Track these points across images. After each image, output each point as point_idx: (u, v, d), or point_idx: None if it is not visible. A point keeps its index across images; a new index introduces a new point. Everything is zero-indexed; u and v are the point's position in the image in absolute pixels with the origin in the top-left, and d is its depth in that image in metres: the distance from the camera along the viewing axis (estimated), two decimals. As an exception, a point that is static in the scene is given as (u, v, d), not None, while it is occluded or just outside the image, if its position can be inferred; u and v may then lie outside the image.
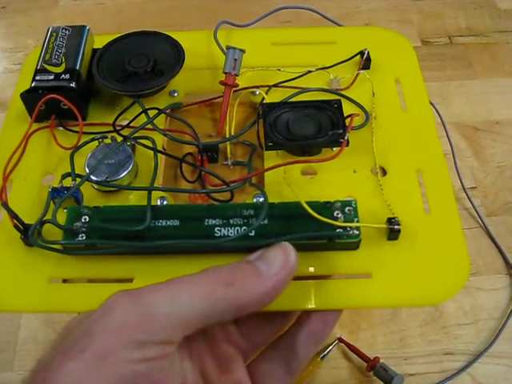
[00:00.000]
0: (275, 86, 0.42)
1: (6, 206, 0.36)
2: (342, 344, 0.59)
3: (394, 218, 0.35)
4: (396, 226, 0.35)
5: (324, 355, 0.58)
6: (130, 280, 0.35)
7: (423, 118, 0.41)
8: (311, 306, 0.34)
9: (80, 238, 0.34)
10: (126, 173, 0.37)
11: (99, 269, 0.35)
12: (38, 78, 0.41)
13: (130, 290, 0.29)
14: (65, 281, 0.36)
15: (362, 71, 0.43)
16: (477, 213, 0.67)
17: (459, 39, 0.87)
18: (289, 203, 0.35)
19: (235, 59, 0.41)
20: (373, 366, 0.57)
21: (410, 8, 0.92)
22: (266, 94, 0.41)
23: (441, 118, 0.63)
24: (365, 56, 0.43)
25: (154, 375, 0.28)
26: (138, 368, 0.27)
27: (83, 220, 0.35)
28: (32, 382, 0.27)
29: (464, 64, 0.84)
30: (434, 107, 0.58)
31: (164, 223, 0.35)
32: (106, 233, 0.34)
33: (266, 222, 0.34)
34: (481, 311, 0.63)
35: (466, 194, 0.68)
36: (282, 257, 0.31)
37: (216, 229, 0.34)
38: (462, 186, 0.68)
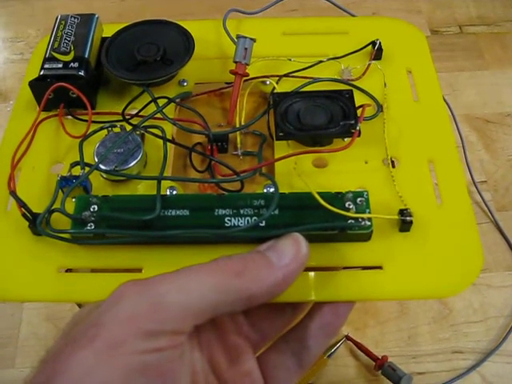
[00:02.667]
0: (286, 75, 0.41)
1: (14, 194, 0.36)
2: (350, 342, 0.59)
3: (406, 210, 0.35)
4: (408, 218, 0.34)
5: (331, 353, 0.58)
6: (139, 270, 0.35)
7: (435, 109, 0.41)
8: (322, 297, 0.34)
9: (89, 228, 0.34)
10: (135, 162, 0.37)
11: (108, 258, 0.35)
12: (46, 66, 0.41)
13: (140, 280, 0.29)
14: (73, 270, 0.36)
15: (373, 61, 0.42)
16: (487, 207, 0.66)
17: (470, 28, 0.86)
18: (300, 193, 0.35)
19: (245, 48, 0.41)
20: (381, 365, 0.56)
21: None
22: (277, 83, 0.41)
23: (451, 110, 0.62)
24: (376, 46, 0.42)
25: (164, 365, 0.28)
26: (148, 358, 0.27)
27: (92, 209, 0.35)
28: (42, 371, 0.27)
29: (475, 54, 0.83)
30: (444, 100, 0.58)
31: (174, 213, 0.34)
32: (114, 222, 0.34)
33: (276, 212, 0.34)
34: (490, 309, 0.62)
35: (476, 187, 0.68)
36: (293, 248, 0.31)
37: (226, 219, 0.34)
38: (473, 179, 0.68)
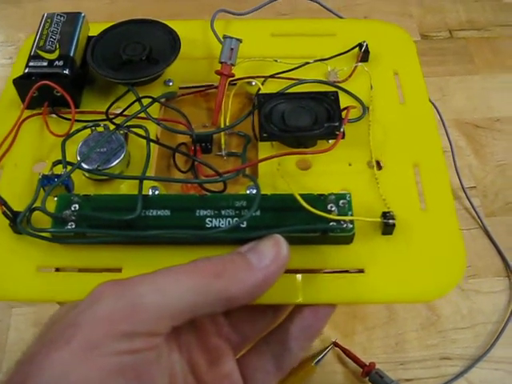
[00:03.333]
0: (272, 76, 0.41)
1: (-6, 192, 0.35)
2: (337, 348, 0.59)
3: (388, 213, 0.34)
4: (391, 221, 0.34)
5: (319, 360, 0.57)
6: (119, 270, 0.35)
7: (421, 112, 0.41)
8: (302, 300, 0.34)
9: (69, 227, 0.34)
10: (117, 161, 0.37)
11: (88, 258, 0.35)
12: (31, 64, 0.40)
13: (118, 280, 0.29)
14: (52, 269, 0.36)
15: (360, 64, 0.42)
16: (476, 213, 0.66)
17: (460, 33, 0.86)
18: (282, 195, 0.35)
19: (231, 48, 0.41)
20: (368, 372, 0.56)
21: (410, 1, 0.90)
22: (262, 84, 0.41)
23: (439, 115, 0.62)
24: (363, 48, 0.42)
25: (141, 367, 0.27)
26: (125, 360, 0.27)
27: (73, 208, 0.34)
28: (18, 372, 0.27)
29: (465, 59, 0.83)
30: (433, 104, 0.57)
31: (155, 213, 0.34)
32: (95, 221, 0.34)
33: (258, 213, 0.34)
34: (479, 315, 0.62)
35: (465, 193, 0.67)
36: (273, 249, 0.31)
37: (207, 220, 0.34)
38: (462, 185, 0.67)
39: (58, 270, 0.36)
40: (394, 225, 0.34)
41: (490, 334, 0.60)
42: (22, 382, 0.26)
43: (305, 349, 0.35)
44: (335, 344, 0.59)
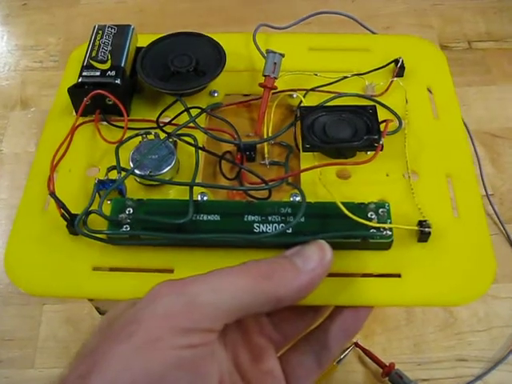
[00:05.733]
0: (312, 90, 0.43)
1: (54, 195, 0.38)
2: (358, 349, 0.61)
3: (425, 221, 0.36)
4: (427, 229, 0.36)
5: (340, 360, 0.59)
6: (171, 271, 0.37)
7: (454, 127, 0.43)
8: (343, 302, 0.35)
9: (124, 229, 0.36)
10: (168, 168, 0.39)
11: (141, 259, 0.37)
12: (85, 73, 0.43)
13: (175, 280, 0.30)
14: (107, 269, 0.38)
15: (395, 79, 0.44)
16: (498, 218, 0.68)
17: (478, 44, 0.88)
18: (325, 203, 0.37)
19: (275, 63, 0.43)
20: (388, 372, 0.58)
21: (430, 12, 0.92)
22: (304, 97, 0.43)
23: (466, 127, 0.63)
24: (399, 64, 0.44)
25: (198, 361, 0.29)
26: (184, 354, 0.28)
27: (127, 212, 0.36)
28: (80, 364, 0.29)
29: (483, 69, 0.84)
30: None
31: (205, 218, 0.36)
32: (149, 224, 0.36)
33: (302, 220, 0.36)
34: (495, 319, 0.63)
35: (489, 199, 0.69)
36: (318, 254, 0.33)
37: (255, 225, 0.36)
38: (486, 192, 0.69)
39: (111, 270, 0.38)
40: (429, 233, 0.36)
41: (507, 337, 0.62)
42: (87, 373, 0.27)
43: (343, 347, 0.37)
44: (356, 345, 0.61)
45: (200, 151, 0.40)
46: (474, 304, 0.64)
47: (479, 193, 0.40)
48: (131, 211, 0.37)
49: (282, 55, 0.43)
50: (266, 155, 0.42)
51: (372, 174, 0.40)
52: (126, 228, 0.36)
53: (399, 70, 0.44)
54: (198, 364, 0.29)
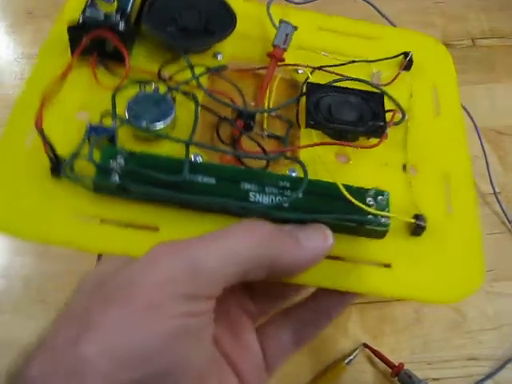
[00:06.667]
0: (320, 68, 0.42)
1: (42, 132, 0.35)
2: (367, 349, 0.60)
3: (421, 215, 0.36)
4: (423, 223, 0.36)
5: (349, 360, 0.59)
6: (156, 229, 0.35)
7: (454, 125, 0.43)
8: (330, 284, 0.34)
9: (113, 178, 0.34)
10: (166, 122, 0.37)
11: (126, 213, 0.35)
12: (87, 13, 0.40)
13: (175, 242, 0.29)
14: (87, 218, 0.36)
15: (402, 71, 0.44)
16: (506, 217, 0.67)
17: (482, 42, 0.87)
18: (324, 182, 0.36)
19: (286, 34, 0.41)
20: (397, 372, 0.58)
21: (433, 10, 0.91)
22: (311, 74, 0.42)
23: (474, 123, 0.63)
24: (408, 57, 0.44)
25: (201, 330, 0.28)
26: (187, 322, 0.27)
27: (118, 161, 0.34)
28: (67, 327, 0.26)
29: (487, 67, 0.84)
30: (468, 114, 0.58)
31: (200, 179, 0.35)
32: (140, 177, 0.34)
33: (300, 195, 0.35)
34: (504, 317, 0.63)
35: (496, 197, 0.69)
36: (321, 235, 0.32)
37: (251, 193, 0.34)
38: (494, 190, 0.69)
39: (93, 219, 0.36)
40: (424, 227, 0.36)
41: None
42: (77, 337, 0.25)
43: (321, 330, 0.36)
44: (365, 345, 0.60)
45: (199, 110, 0.38)
46: (482, 302, 0.64)
47: (474, 193, 0.40)
48: (122, 162, 0.34)
49: (295, 28, 0.42)
50: (265, 126, 0.40)
51: (371, 161, 0.39)
52: (115, 177, 0.34)
53: (407, 64, 0.44)
54: (202, 333, 0.28)
